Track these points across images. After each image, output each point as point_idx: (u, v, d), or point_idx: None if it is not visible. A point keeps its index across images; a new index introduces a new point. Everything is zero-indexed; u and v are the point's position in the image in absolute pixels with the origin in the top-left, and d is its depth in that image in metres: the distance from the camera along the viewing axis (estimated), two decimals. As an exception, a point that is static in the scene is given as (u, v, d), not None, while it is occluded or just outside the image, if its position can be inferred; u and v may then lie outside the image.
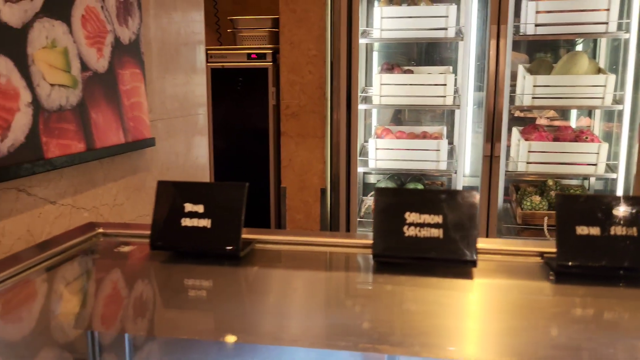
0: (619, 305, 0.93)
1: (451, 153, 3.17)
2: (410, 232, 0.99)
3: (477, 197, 0.99)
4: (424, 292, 0.97)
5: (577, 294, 0.96)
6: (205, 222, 1.07)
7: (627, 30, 2.75)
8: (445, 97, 2.94)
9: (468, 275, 1.01)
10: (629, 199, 0.97)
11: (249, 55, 3.42)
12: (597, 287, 0.97)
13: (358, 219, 3.18)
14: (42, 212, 1.43)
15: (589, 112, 3.31)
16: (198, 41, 2.30)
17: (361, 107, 3.04)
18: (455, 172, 3.06)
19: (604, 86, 2.76)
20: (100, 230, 1.25)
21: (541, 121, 3.35)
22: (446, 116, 3.49)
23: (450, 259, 0.98)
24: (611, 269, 0.96)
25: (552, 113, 3.37)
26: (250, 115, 3.51)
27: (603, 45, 3.16)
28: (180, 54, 2.15)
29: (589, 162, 2.88)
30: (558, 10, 2.75)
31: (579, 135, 2.98)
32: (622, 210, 0.96)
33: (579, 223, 0.96)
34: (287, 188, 3.25)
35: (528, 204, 2.92)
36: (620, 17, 2.76)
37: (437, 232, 0.98)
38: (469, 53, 2.96)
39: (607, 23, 2.71)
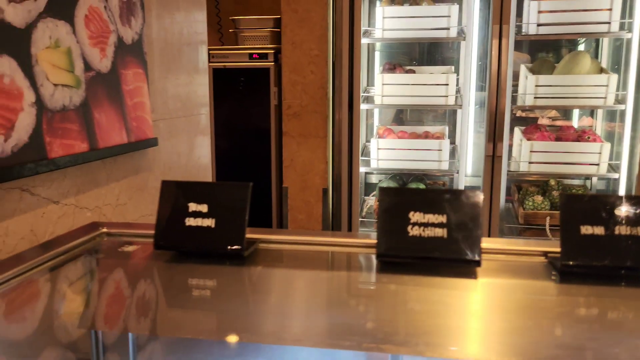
0: (623, 304, 0.93)
1: (453, 153, 3.17)
2: (414, 231, 0.99)
3: (481, 196, 0.99)
4: (428, 292, 0.97)
5: (581, 293, 0.96)
6: (209, 222, 1.07)
7: (630, 30, 2.75)
8: (447, 97, 2.94)
9: (472, 274, 1.01)
10: (633, 199, 0.97)
11: (250, 55, 3.42)
12: (601, 287, 0.96)
13: (360, 219, 3.18)
14: (46, 212, 1.43)
15: (591, 112, 3.31)
16: (200, 41, 2.30)
17: (363, 107, 3.04)
18: (457, 172, 3.06)
19: (606, 86, 2.76)
20: (104, 230, 1.25)
21: (543, 121, 3.34)
22: (448, 116, 3.49)
23: (454, 259, 0.98)
24: (615, 269, 0.96)
25: (554, 113, 3.37)
26: (252, 115, 3.51)
27: (605, 44, 3.16)
28: (182, 54, 2.15)
29: (591, 162, 2.87)
30: (560, 10, 2.75)
31: (581, 135, 2.98)
32: (626, 210, 0.96)
33: (583, 223, 0.96)
34: (289, 188, 3.25)
35: (530, 203, 2.91)
36: (623, 16, 2.75)
37: (441, 232, 0.98)
38: (471, 53, 2.96)
39: (609, 23, 2.71)
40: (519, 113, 3.33)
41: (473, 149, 3.27)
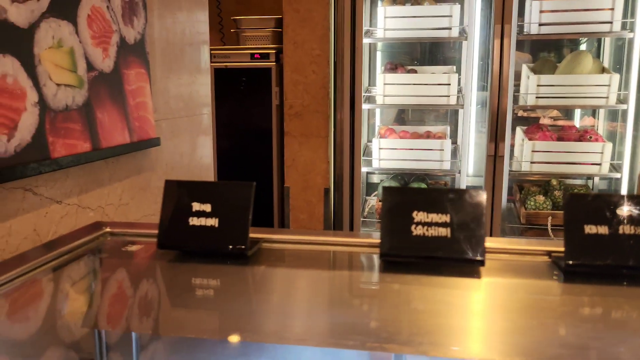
0: (627, 304, 0.93)
1: (455, 153, 3.17)
2: (417, 231, 0.99)
3: (484, 196, 0.99)
4: (432, 291, 0.97)
5: (585, 293, 0.96)
6: (213, 222, 1.07)
7: (632, 30, 2.75)
8: (448, 96, 2.94)
9: (476, 274, 1.01)
10: (637, 198, 0.97)
11: (252, 55, 3.42)
12: (605, 286, 0.96)
13: (361, 219, 3.18)
14: (49, 212, 1.43)
15: (593, 112, 3.31)
16: (202, 41, 2.30)
17: (365, 106, 3.04)
18: (459, 172, 3.06)
19: (608, 85, 2.76)
20: (108, 229, 1.25)
21: (545, 121, 3.34)
22: (450, 116, 3.48)
23: (457, 259, 0.98)
24: (619, 268, 0.96)
25: (555, 113, 3.37)
26: (253, 115, 3.51)
27: (607, 44, 3.16)
28: (184, 54, 2.15)
29: (593, 161, 2.87)
30: (562, 9, 2.75)
31: (583, 135, 2.98)
32: (630, 210, 0.96)
33: (587, 222, 0.96)
34: (290, 188, 3.25)
35: (532, 203, 2.91)
36: (625, 16, 2.75)
37: (444, 231, 0.98)
38: (472, 53, 2.96)
39: (611, 22, 2.71)
40: (520, 113, 3.33)
41: (475, 149, 3.27)
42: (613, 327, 0.87)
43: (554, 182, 3.03)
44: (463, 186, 3.08)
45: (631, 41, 2.79)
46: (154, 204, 1.95)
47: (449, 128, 3.28)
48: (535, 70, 2.94)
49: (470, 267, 1.01)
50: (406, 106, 3.32)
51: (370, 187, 3.54)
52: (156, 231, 1.12)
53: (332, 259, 1.17)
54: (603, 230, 0.96)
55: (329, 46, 3.01)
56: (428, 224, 0.99)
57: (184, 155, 2.17)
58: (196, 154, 2.28)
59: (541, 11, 2.77)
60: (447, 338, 0.83)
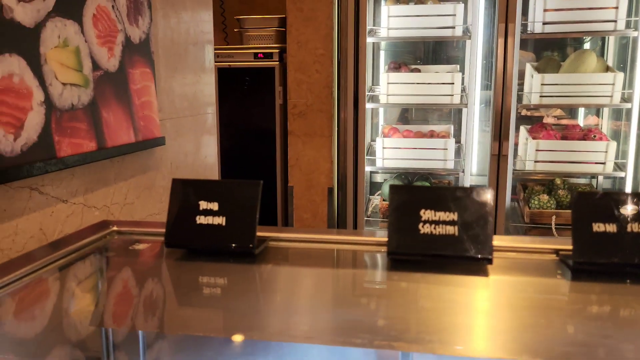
0: (636, 302, 0.92)
1: (458, 152, 3.17)
2: (425, 229, 0.99)
3: (491, 194, 0.99)
4: (439, 289, 0.97)
5: (593, 291, 0.96)
6: (220, 220, 1.07)
7: (636, 28, 2.74)
8: (452, 95, 2.93)
9: (483, 272, 1.00)
10: (645, 196, 0.96)
11: (255, 54, 3.43)
12: (613, 284, 0.96)
13: (365, 218, 3.18)
14: (55, 211, 1.43)
15: (597, 111, 3.30)
16: (207, 41, 2.31)
17: (368, 106, 3.04)
18: (463, 171, 3.06)
19: (612, 84, 2.75)
20: (115, 228, 1.26)
21: (548, 120, 3.34)
22: (453, 115, 3.48)
23: (465, 257, 0.98)
24: (627, 266, 0.96)
25: (559, 112, 3.36)
26: (256, 115, 3.52)
27: (611, 43, 3.15)
28: (189, 54, 2.15)
29: (597, 160, 2.87)
30: (566, 8, 2.74)
31: (587, 134, 2.97)
32: (638, 208, 0.96)
33: (594, 220, 0.96)
34: (294, 187, 3.25)
35: (536, 202, 2.91)
36: (629, 14, 2.74)
37: (452, 230, 0.98)
38: (476, 51, 2.95)
39: (615, 21, 2.70)
40: (524, 112, 3.32)
41: (478, 148, 3.26)
42: (621, 325, 0.86)
43: (558, 181, 3.03)
44: (467, 185, 3.07)
45: (635, 40, 2.79)
46: (159, 203, 1.95)
47: (452, 127, 3.28)
48: (539, 69, 2.94)
49: (477, 265, 1.01)
50: (410, 105, 3.31)
51: (374, 187, 3.54)
52: (163, 230, 1.12)
53: (339, 258, 1.17)
54: (611, 228, 0.96)
55: (332, 45, 3.01)
56: (435, 222, 0.99)
57: (189, 155, 2.18)
58: (200, 153, 2.28)
59: (545, 10, 2.76)
60: (455, 336, 0.83)
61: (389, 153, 3.06)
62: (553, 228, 2.83)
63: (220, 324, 0.91)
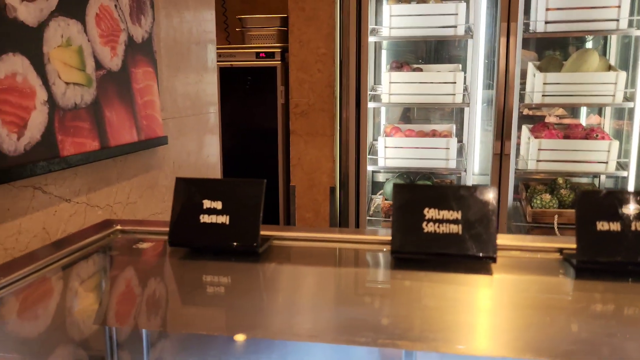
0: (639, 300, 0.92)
1: (460, 151, 3.16)
2: (429, 228, 0.99)
3: (495, 192, 0.99)
4: (443, 288, 0.97)
5: (597, 289, 0.96)
6: (224, 219, 1.07)
7: (638, 27, 2.74)
8: (454, 95, 2.93)
9: (487, 271, 1.00)
10: (649, 195, 0.96)
11: (257, 54, 3.43)
12: (618, 283, 0.96)
13: (367, 218, 3.18)
14: (58, 210, 1.43)
15: (599, 110, 3.30)
16: (209, 40, 2.31)
17: (370, 105, 3.04)
18: (465, 171, 3.06)
19: (615, 83, 2.75)
20: (118, 227, 1.26)
21: (550, 119, 3.33)
22: (455, 114, 3.48)
23: (469, 255, 0.98)
24: (632, 265, 0.95)
25: (561, 111, 3.36)
26: (258, 114, 3.52)
27: (613, 42, 3.15)
28: (191, 53, 2.15)
29: (600, 160, 2.86)
30: (568, 7, 2.74)
31: (589, 133, 2.97)
32: (642, 206, 0.95)
33: (599, 219, 0.96)
34: (296, 186, 3.25)
35: (538, 202, 2.91)
36: (631, 13, 2.74)
37: (456, 228, 0.98)
38: (478, 51, 2.95)
39: (617, 20, 2.70)
40: (526, 111, 3.32)
41: (480, 147, 3.26)
42: (625, 323, 0.86)
43: (560, 180, 3.03)
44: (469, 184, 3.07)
45: (638, 39, 2.78)
46: (162, 203, 1.95)
47: (454, 126, 3.28)
48: (541, 69, 2.94)
49: (481, 264, 1.01)
50: (412, 105, 3.31)
51: (376, 186, 3.54)
52: (166, 229, 1.12)
53: (342, 257, 1.17)
54: (615, 227, 0.96)
55: (334, 45, 3.01)
56: (439, 220, 0.99)
57: (191, 154, 2.18)
58: (203, 152, 2.28)
59: (547, 9, 2.76)
60: (458, 335, 0.83)
61: (391, 152, 3.06)
62: (555, 227, 2.82)
63: (224, 322, 0.91)
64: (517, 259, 1.08)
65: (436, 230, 0.99)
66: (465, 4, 2.87)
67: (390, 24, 2.93)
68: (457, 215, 0.98)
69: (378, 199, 3.43)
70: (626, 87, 2.81)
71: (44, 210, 1.38)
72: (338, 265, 1.15)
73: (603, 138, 2.92)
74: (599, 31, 2.82)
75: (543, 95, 2.83)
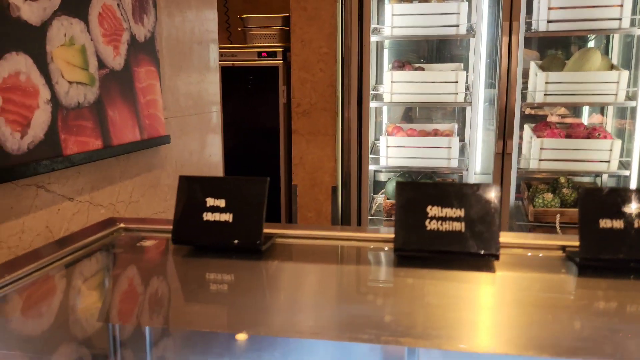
0: (643, 298, 0.92)
1: (462, 150, 3.16)
2: (432, 225, 0.99)
3: (498, 190, 0.99)
4: (446, 286, 0.97)
5: (600, 287, 0.96)
6: (227, 217, 1.08)
7: (641, 26, 2.73)
8: (456, 94, 2.93)
9: (490, 268, 1.00)
10: (652, 192, 0.96)
11: (259, 53, 3.43)
12: (621, 281, 0.96)
13: (369, 217, 3.18)
14: (61, 209, 1.44)
15: (601, 109, 3.29)
16: (211, 40, 2.31)
17: (372, 104, 3.04)
18: (467, 170, 3.05)
19: (617, 82, 2.75)
20: (122, 225, 1.26)
21: (552, 119, 3.33)
22: (457, 113, 3.48)
23: (472, 253, 0.98)
24: (634, 262, 0.96)
25: (563, 110, 3.36)
26: (260, 114, 3.52)
27: (616, 41, 3.14)
28: (193, 52, 2.16)
29: (602, 159, 2.86)
30: (570, 6, 2.74)
31: (592, 132, 2.97)
32: (645, 204, 0.95)
33: (602, 216, 0.96)
34: (298, 186, 3.25)
35: (540, 201, 2.90)
36: (634, 12, 2.74)
37: (458, 226, 0.98)
38: (480, 50, 2.95)
39: (620, 19, 2.69)
40: (527, 111, 3.32)
41: (482, 147, 3.26)
42: (627, 320, 0.86)
43: (562, 179, 3.02)
44: (471, 184, 3.06)
45: (640, 38, 2.78)
46: (164, 202, 1.95)
47: (456, 126, 3.27)
48: (543, 68, 2.93)
49: (484, 262, 1.01)
50: (414, 104, 3.31)
51: (378, 185, 3.54)
52: (170, 227, 1.12)
53: (345, 254, 1.18)
54: (618, 224, 0.96)
55: (336, 44, 3.02)
56: (442, 218, 0.99)
57: (194, 153, 2.18)
58: (205, 152, 2.28)
59: (549, 8, 2.76)
60: (461, 332, 0.83)
61: (393, 152, 3.06)
62: (557, 227, 2.82)
63: (227, 320, 0.91)
64: (520, 257, 1.08)
65: (439, 228, 0.99)
66: (467, 3, 2.87)
67: (392, 23, 2.93)
68: (460, 213, 0.99)
69: (380, 199, 3.43)
70: (628, 86, 2.80)
71: (47, 208, 1.39)
72: (341, 263, 1.15)
73: (605, 137, 2.91)
74: (601, 30, 2.82)
75: (545, 95, 2.83)
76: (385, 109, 3.50)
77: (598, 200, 0.97)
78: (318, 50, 3.10)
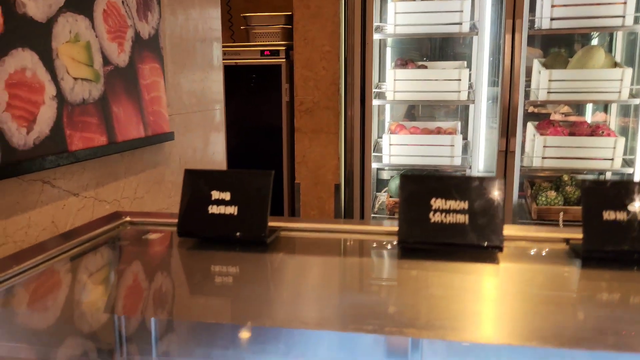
0: (646, 290, 0.92)
1: (465, 148, 3.16)
2: (435, 218, 0.99)
3: (501, 183, 1.00)
4: (450, 277, 0.98)
5: (603, 278, 0.96)
6: (232, 210, 1.08)
7: (644, 24, 2.73)
8: (459, 92, 2.93)
9: (494, 260, 1.01)
10: (655, 185, 0.96)
11: (262, 52, 3.44)
12: (624, 272, 0.96)
13: (372, 215, 3.19)
14: (66, 204, 1.45)
15: (605, 107, 3.29)
16: (215, 38, 2.32)
17: (375, 102, 3.04)
18: (470, 168, 3.05)
19: (621, 80, 2.74)
20: (128, 219, 1.27)
21: (555, 117, 3.33)
22: (460, 111, 3.48)
23: (476, 245, 0.99)
24: (638, 254, 0.96)
25: (566, 109, 3.35)
26: (263, 112, 3.53)
27: (619, 38, 3.14)
28: (197, 50, 2.16)
29: (605, 156, 2.86)
30: (574, 4, 2.73)
31: (595, 130, 2.97)
32: (649, 195, 0.96)
33: (605, 208, 0.96)
34: (301, 184, 3.26)
35: (543, 199, 2.90)
36: (637, 10, 2.73)
37: (462, 218, 0.99)
38: (483, 48, 2.95)
39: (623, 16, 2.69)
40: (530, 109, 3.32)
41: (485, 145, 3.26)
42: (631, 311, 0.87)
43: (566, 177, 3.02)
44: (474, 182, 3.06)
45: (643, 35, 2.78)
46: (168, 198, 1.96)
47: (459, 124, 3.27)
48: (546, 65, 2.93)
49: (488, 254, 1.02)
50: (416, 102, 3.31)
51: (381, 184, 3.54)
52: (175, 220, 1.13)
53: (349, 247, 1.18)
54: (621, 216, 0.96)
55: (339, 42, 3.02)
56: (446, 211, 0.99)
57: (197, 151, 2.19)
58: (208, 149, 2.29)
59: (553, 6, 2.75)
60: (465, 323, 0.83)
61: (396, 150, 3.06)
62: (560, 224, 2.82)
63: (232, 311, 0.92)
64: (524, 249, 1.08)
65: (443, 220, 0.99)
66: (470, 0, 2.87)
67: (395, 21, 2.93)
68: (463, 205, 0.99)
69: (383, 197, 3.43)
70: (632, 84, 2.80)
71: (53, 204, 1.40)
72: (345, 256, 1.15)
73: (609, 135, 2.91)
74: (605, 28, 2.82)
75: (548, 92, 2.83)
76: (388, 107, 3.51)
77: (601, 192, 0.97)
78: (321, 48, 3.10)
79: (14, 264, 0.98)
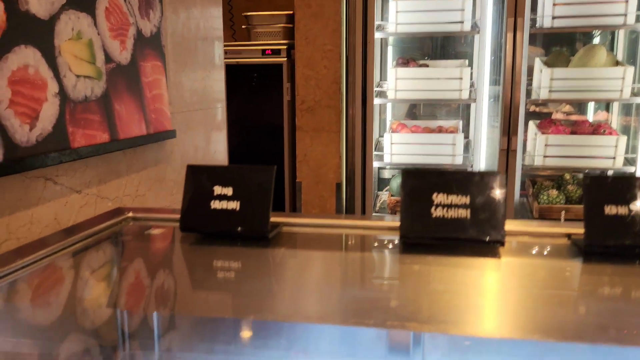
0: (648, 284, 0.93)
1: (467, 147, 3.16)
2: (437, 212, 1.00)
3: (503, 177, 1.00)
4: (452, 272, 0.98)
5: (605, 272, 0.96)
6: (234, 205, 1.09)
7: (646, 22, 2.73)
8: (461, 91, 2.93)
9: (495, 255, 1.01)
10: (657, 179, 0.96)
11: (263, 51, 3.44)
12: (625, 266, 0.96)
13: (373, 214, 3.19)
14: (69, 201, 1.45)
15: (606, 106, 3.29)
16: (216, 37, 2.32)
17: (376, 101, 3.04)
18: (471, 167, 3.06)
19: (622, 79, 2.74)
20: (130, 214, 1.27)
21: (557, 116, 3.33)
22: (462, 110, 3.48)
23: (477, 239, 0.99)
24: (639, 248, 0.96)
25: (568, 107, 3.35)
26: (264, 111, 3.53)
27: (621, 37, 3.14)
28: (198, 49, 2.17)
29: (607, 155, 2.86)
30: (575, 2, 2.73)
31: (597, 129, 2.96)
32: (650, 190, 0.96)
33: (606, 203, 0.96)
34: (302, 183, 3.26)
35: (545, 198, 2.90)
36: (639, 8, 2.73)
37: (464, 213, 0.99)
38: (484, 46, 2.95)
39: (625, 15, 2.69)
40: (532, 108, 3.32)
41: (487, 143, 3.26)
42: (632, 305, 0.87)
43: (567, 176, 3.02)
44: (475, 180, 3.06)
45: (645, 33, 2.77)
46: (170, 196, 1.97)
47: (461, 122, 3.28)
48: (548, 64, 2.93)
49: (490, 248, 1.02)
50: (418, 101, 3.32)
51: (382, 182, 3.54)
52: (177, 216, 1.13)
53: (351, 242, 1.18)
54: (623, 211, 0.96)
55: (340, 41, 3.02)
56: (448, 205, 1.00)
57: (199, 149, 2.20)
58: (210, 148, 2.30)
59: (554, 4, 2.75)
60: (467, 317, 0.83)
61: (397, 149, 3.06)
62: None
63: (235, 306, 0.92)
64: (525, 244, 1.09)
65: (444, 215, 1.00)
66: (471, -1, 2.88)
67: (397, 20, 2.93)
68: (465, 200, 0.99)
69: (384, 195, 3.43)
70: (634, 83, 2.80)
71: (56, 200, 1.40)
72: (347, 251, 1.16)
73: (610, 133, 2.91)
74: (607, 26, 2.82)
75: (550, 91, 2.83)
76: (389, 105, 3.51)
77: (603, 187, 0.98)
78: (322, 47, 3.11)
79: (17, 258, 0.98)
